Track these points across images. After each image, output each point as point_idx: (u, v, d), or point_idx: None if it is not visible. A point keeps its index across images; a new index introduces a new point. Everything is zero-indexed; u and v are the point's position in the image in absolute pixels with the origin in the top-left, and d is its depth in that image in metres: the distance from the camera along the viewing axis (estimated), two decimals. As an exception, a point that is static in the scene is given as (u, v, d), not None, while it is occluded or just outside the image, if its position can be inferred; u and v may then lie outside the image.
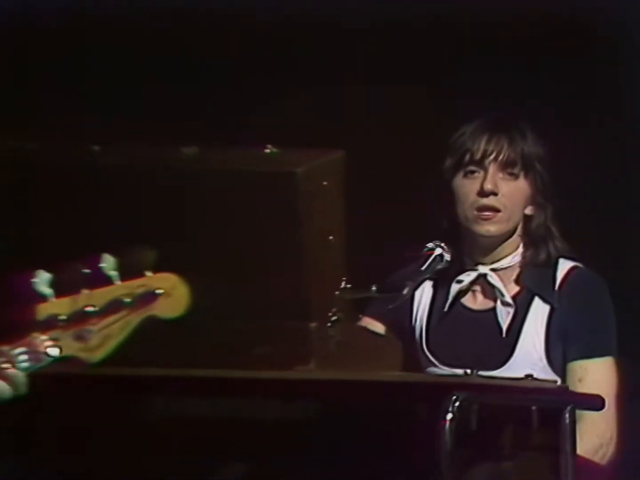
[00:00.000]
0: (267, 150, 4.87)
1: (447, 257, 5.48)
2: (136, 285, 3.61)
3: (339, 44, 8.05)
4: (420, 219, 6.05)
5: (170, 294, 3.65)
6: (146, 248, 3.79)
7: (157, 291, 3.62)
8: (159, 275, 3.66)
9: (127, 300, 3.58)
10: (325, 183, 4.80)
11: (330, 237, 4.85)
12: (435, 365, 5.50)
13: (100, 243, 4.16)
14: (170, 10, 8.51)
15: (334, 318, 4.79)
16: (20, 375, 3.51)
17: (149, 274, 3.64)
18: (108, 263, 3.55)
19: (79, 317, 3.55)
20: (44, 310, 3.52)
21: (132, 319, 3.60)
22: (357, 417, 4.75)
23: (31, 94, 8.58)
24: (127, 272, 3.61)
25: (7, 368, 3.51)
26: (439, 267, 5.49)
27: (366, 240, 5.68)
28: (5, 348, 3.52)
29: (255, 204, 4.80)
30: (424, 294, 5.74)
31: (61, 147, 5.35)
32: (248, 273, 4.83)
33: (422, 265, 5.43)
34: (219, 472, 4.88)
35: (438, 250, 5.43)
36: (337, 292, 4.87)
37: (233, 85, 7.81)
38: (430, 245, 5.44)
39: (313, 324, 4.75)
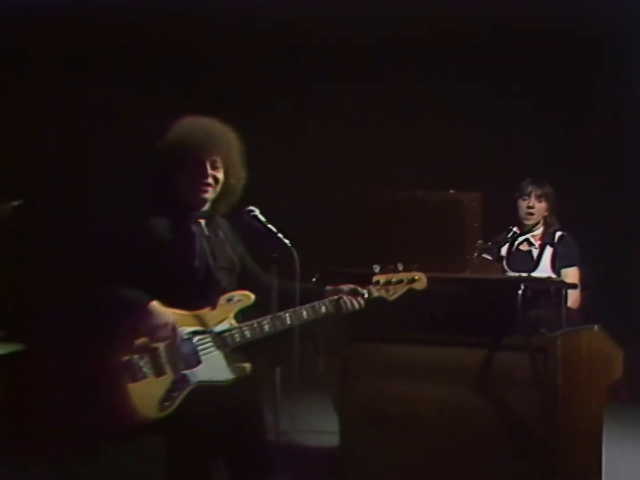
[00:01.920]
0: (451, 191, 5.49)
1: (518, 232, 6.48)
2: (408, 275, 4.39)
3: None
4: (509, 217, 6.66)
5: (421, 279, 4.41)
6: (412, 262, 4.41)
7: (416, 278, 4.40)
8: (417, 273, 4.40)
9: (404, 280, 4.39)
10: (474, 204, 5.40)
11: (475, 224, 5.42)
12: (507, 272, 6.32)
13: (395, 254, 4.56)
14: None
15: (475, 254, 5.42)
16: (362, 302, 4.30)
17: (414, 271, 4.41)
18: (399, 265, 4.36)
19: (387, 283, 4.36)
20: (375, 278, 4.35)
21: (404, 288, 4.39)
22: (484, 290, 5.24)
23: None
24: (406, 270, 4.38)
25: (360, 297, 4.30)
26: (515, 236, 6.53)
27: (488, 225, 5.69)
28: (359, 288, 4.30)
29: (448, 214, 5.40)
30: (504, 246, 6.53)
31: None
32: (444, 240, 5.31)
33: (507, 234, 6.52)
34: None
35: (515, 229, 6.55)
36: (476, 245, 5.48)
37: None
38: (511, 227, 6.55)
39: (467, 256, 5.37)
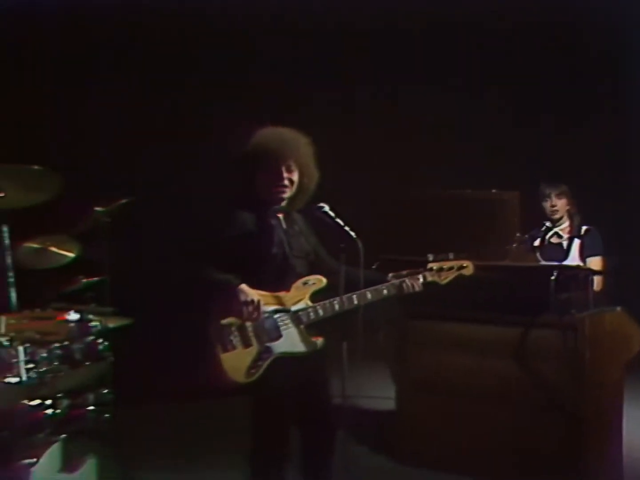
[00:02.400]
0: (494, 191, 5.55)
1: (551, 226, 6.38)
2: (458, 262, 4.32)
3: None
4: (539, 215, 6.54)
5: (469, 266, 4.31)
6: (459, 252, 4.41)
7: (465, 265, 4.32)
8: (466, 261, 4.33)
9: (454, 267, 4.30)
10: (513, 201, 5.43)
11: (514, 219, 5.46)
12: (540, 261, 6.18)
13: (446, 244, 4.59)
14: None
15: (514, 245, 5.47)
16: (420, 284, 4.24)
17: (463, 259, 4.34)
18: (450, 254, 4.41)
19: (439, 270, 4.28)
20: (429, 265, 4.28)
21: (454, 273, 4.30)
22: (522, 276, 5.16)
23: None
24: (456, 258, 4.34)
25: (417, 280, 4.24)
26: (547, 230, 6.50)
27: (524, 221, 5.70)
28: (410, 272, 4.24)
29: (491, 210, 5.42)
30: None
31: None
32: (488, 232, 5.29)
33: (542, 228, 6.47)
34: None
35: (548, 224, 6.51)
36: (515, 237, 5.54)
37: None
38: (544, 222, 6.52)
39: (508, 247, 5.40)
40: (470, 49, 8.19)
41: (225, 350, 3.89)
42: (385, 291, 4.15)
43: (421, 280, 4.25)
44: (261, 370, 3.92)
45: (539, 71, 8.21)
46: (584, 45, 8.08)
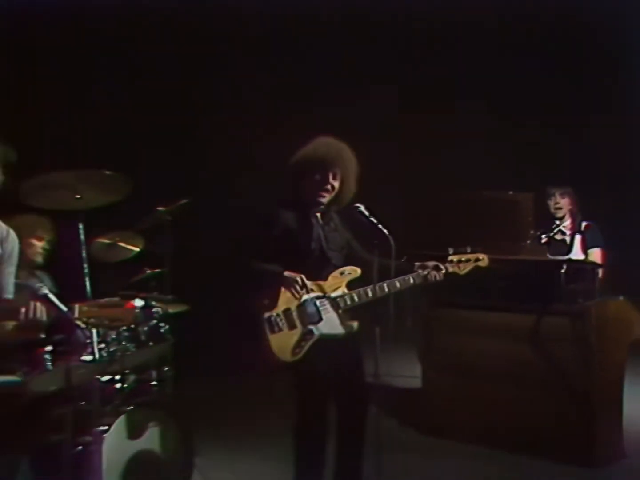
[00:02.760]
0: (510, 193, 5.44)
1: (560, 224, 6.34)
2: (474, 255, 4.34)
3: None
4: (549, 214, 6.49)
5: (484, 259, 4.33)
6: (476, 247, 4.31)
7: (480, 257, 4.33)
8: (481, 254, 4.33)
9: (471, 259, 4.34)
10: (527, 202, 5.37)
11: (530, 218, 5.41)
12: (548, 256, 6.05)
13: (466, 240, 4.41)
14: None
15: (528, 242, 5.48)
16: (442, 274, 4.25)
17: (478, 253, 4.34)
18: (468, 247, 4.33)
19: (458, 261, 4.32)
20: (450, 257, 4.31)
21: (471, 265, 4.33)
22: (535, 269, 5.16)
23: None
24: (472, 252, 4.32)
25: (439, 271, 4.23)
26: (558, 227, 6.40)
27: (537, 221, 5.72)
28: (440, 264, 4.25)
29: (507, 209, 5.33)
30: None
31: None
32: (504, 230, 5.21)
33: (552, 226, 6.46)
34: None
35: (557, 222, 6.50)
36: (530, 234, 5.57)
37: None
38: (555, 220, 6.51)
39: (523, 243, 5.38)
40: (476, 51, 8.06)
41: (273, 331, 3.95)
42: (412, 280, 4.19)
43: (443, 270, 4.28)
44: (304, 350, 3.98)
45: (540, 72, 8.13)
46: (581, 44, 7.94)
